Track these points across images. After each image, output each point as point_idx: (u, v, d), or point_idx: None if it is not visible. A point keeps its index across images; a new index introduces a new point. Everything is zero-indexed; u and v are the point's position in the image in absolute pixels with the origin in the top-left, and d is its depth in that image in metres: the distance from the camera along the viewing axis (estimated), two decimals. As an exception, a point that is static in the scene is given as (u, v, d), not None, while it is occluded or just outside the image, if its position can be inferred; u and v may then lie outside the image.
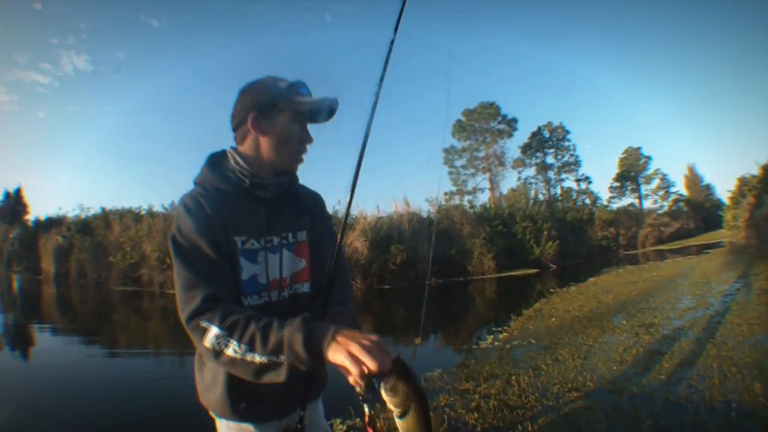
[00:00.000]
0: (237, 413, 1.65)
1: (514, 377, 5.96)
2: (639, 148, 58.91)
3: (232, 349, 1.31)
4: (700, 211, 52.36)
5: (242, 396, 1.62)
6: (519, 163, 55.70)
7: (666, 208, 51.71)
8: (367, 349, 1.17)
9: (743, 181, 30.08)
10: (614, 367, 6.12)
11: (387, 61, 1.75)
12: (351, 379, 1.20)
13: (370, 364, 1.15)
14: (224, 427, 1.73)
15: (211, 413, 1.75)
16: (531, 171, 56.18)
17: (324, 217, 1.94)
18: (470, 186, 53.78)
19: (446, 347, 8.74)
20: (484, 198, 50.81)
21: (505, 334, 8.95)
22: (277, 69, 1.74)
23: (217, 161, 1.73)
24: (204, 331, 1.34)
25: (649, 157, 58.10)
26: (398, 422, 1.25)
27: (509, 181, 75.39)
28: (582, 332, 8.31)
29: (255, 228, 1.66)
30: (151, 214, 24.80)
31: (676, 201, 54.27)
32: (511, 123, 53.93)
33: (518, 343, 8.01)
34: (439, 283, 20.19)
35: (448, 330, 10.46)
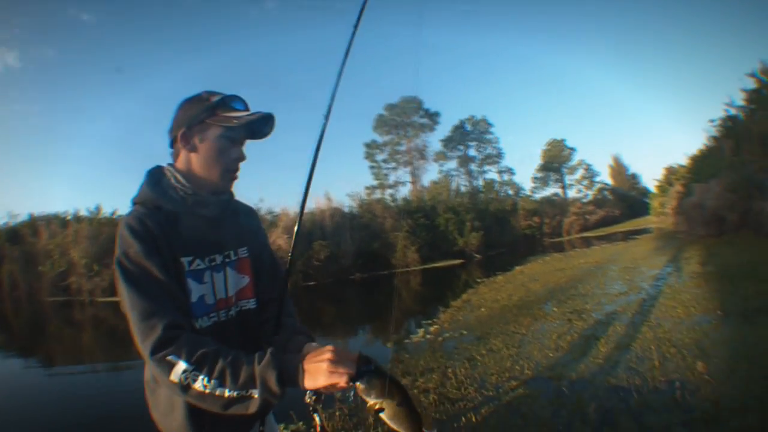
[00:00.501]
0: None
1: (450, 370, 5.99)
2: (563, 140, 60.91)
3: (200, 384, 1.29)
4: (625, 199, 54.68)
5: (204, 420, 1.56)
6: (441, 157, 56.79)
7: (591, 197, 53.94)
8: (335, 364, 1.27)
9: (671, 171, 31.81)
10: (550, 354, 6.20)
11: (343, 65, 1.79)
12: (337, 395, 1.18)
13: (345, 376, 1.27)
14: None
15: None
16: (453, 164, 57.49)
17: (261, 231, 1.99)
18: (392, 180, 54.46)
19: (376, 341, 8.75)
20: (405, 192, 51.34)
21: (435, 326, 9.03)
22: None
23: (156, 179, 1.66)
24: (171, 366, 1.30)
25: (573, 149, 60.12)
26: (385, 415, 1.35)
27: (431, 174, 77.41)
28: (513, 321, 8.41)
29: (199, 247, 1.63)
30: (77, 219, 24.51)
31: (600, 190, 56.47)
32: (434, 117, 55.18)
33: (450, 335, 8.07)
34: (363, 277, 20.53)
35: (377, 324, 10.48)
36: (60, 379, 8.23)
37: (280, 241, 19.54)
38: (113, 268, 1.44)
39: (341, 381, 1.27)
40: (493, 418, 4.41)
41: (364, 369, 1.31)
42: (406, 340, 8.16)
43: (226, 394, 1.28)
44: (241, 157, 1.69)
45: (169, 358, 1.30)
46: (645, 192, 53.47)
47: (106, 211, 25.38)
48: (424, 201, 33.06)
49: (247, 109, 1.69)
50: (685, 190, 22.38)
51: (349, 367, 1.28)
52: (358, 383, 1.30)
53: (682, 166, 27.07)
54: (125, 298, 1.39)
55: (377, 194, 45.59)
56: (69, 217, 24.85)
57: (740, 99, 17.32)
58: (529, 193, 54.48)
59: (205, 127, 1.60)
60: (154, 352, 1.31)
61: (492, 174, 57.55)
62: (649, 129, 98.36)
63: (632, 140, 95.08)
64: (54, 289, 21.37)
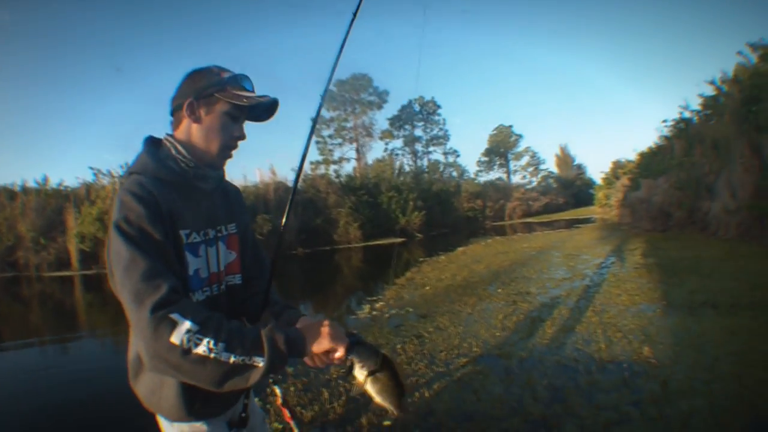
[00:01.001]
0: (193, 414, 1.62)
1: (399, 346, 6.14)
2: (510, 126, 63.12)
3: (204, 348, 1.25)
4: (569, 188, 56.35)
5: (197, 395, 1.58)
6: (387, 135, 57.51)
7: (535, 184, 55.41)
8: (335, 331, 1.45)
9: (618, 164, 33.00)
10: (497, 333, 6.38)
11: (341, 51, 1.93)
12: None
13: (345, 342, 1.45)
14: (175, 430, 1.68)
15: (159, 417, 1.71)
16: (399, 143, 58.49)
17: (245, 210, 2.03)
18: (337, 156, 54.74)
19: (318, 316, 8.69)
20: (350, 168, 51.70)
21: (381, 303, 9.15)
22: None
23: (155, 149, 1.66)
24: (173, 325, 1.25)
25: (520, 135, 62.39)
26: (372, 389, 1.47)
27: (376, 152, 78.07)
28: (458, 300, 8.62)
29: (196, 221, 1.65)
30: (25, 190, 23.84)
31: (545, 177, 58.31)
32: (383, 95, 56.00)
33: (396, 312, 8.19)
34: (306, 252, 20.79)
35: (320, 300, 10.60)
36: (6, 355, 8.08)
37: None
38: (109, 233, 1.40)
39: (342, 346, 1.42)
40: (446, 393, 4.53)
41: (353, 340, 1.47)
42: (352, 316, 8.25)
43: (231, 359, 1.26)
44: (243, 136, 1.73)
45: (173, 316, 1.25)
46: (590, 183, 55.27)
47: (53, 182, 24.80)
48: (368, 178, 33.30)
49: (253, 91, 1.72)
50: (632, 184, 23.16)
51: (343, 338, 1.45)
52: (352, 356, 1.45)
53: (630, 161, 28.04)
54: (124, 260, 1.33)
55: (322, 170, 45.86)
56: (17, 189, 24.15)
57: (696, 104, 18.00)
58: (473, 176, 55.79)
59: (214, 101, 1.63)
60: (155, 309, 1.25)
61: (437, 155, 58.85)
62: (599, 123, 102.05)
63: (581, 132, 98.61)
64: (1, 264, 21.03)
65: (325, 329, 1.43)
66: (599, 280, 9.51)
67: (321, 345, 1.41)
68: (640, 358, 5.02)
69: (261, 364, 1.28)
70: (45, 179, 24.43)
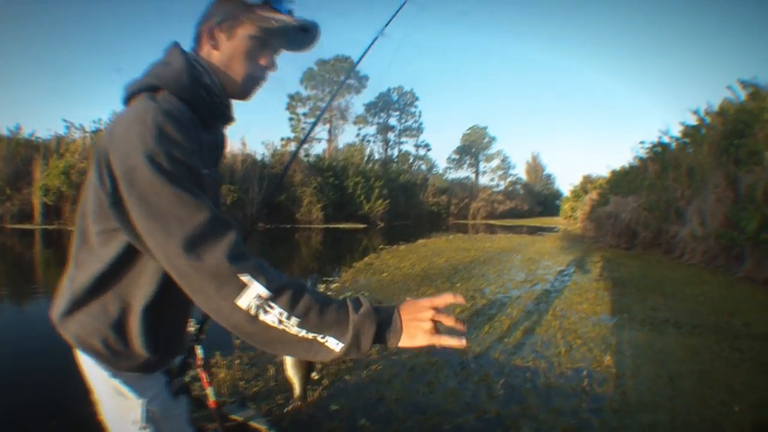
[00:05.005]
0: (150, 366, 1.47)
1: None
2: (485, 128, 63.62)
3: (274, 318, 1.08)
4: (536, 196, 57.49)
5: (159, 337, 1.43)
6: (361, 120, 58.24)
7: (502, 188, 56.15)
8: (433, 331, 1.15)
9: (588, 179, 33.59)
10: None
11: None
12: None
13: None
14: (110, 386, 1.47)
15: (92, 368, 1.46)
16: (372, 130, 58.97)
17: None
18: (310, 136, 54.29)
19: None
20: (320, 149, 52.33)
21: (337, 284, 9.07)
22: None
23: (191, 65, 1.38)
24: (242, 287, 1.07)
25: (493, 138, 62.77)
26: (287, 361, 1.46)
27: (348, 136, 78.55)
28: (416, 289, 8.51)
29: (209, 157, 1.43)
30: None
31: (513, 183, 59.08)
32: (362, 80, 56.26)
33: (351, 294, 7.95)
34: (266, 227, 20.82)
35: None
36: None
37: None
38: (135, 163, 1.10)
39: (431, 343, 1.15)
40: (397, 382, 4.39)
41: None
42: None
43: (301, 335, 1.09)
44: (272, 66, 1.49)
45: (245, 277, 1.07)
46: (557, 194, 56.32)
47: (26, 132, 24.40)
48: (336, 161, 33.43)
49: (291, 14, 1.46)
50: (601, 199, 23.55)
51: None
52: None
53: (602, 177, 28.48)
54: (164, 198, 1.10)
55: (292, 147, 46.20)
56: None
57: (677, 131, 18.36)
58: (441, 171, 56.38)
59: (237, 23, 1.39)
60: (232, 260, 1.08)
61: (409, 147, 59.16)
62: (575, 138, 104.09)
63: (555, 144, 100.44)
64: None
65: (426, 324, 1.14)
66: (560, 287, 9.48)
67: (413, 341, 1.14)
68: (600, 366, 4.93)
69: (337, 350, 1.10)
70: (18, 128, 23.92)
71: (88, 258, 1.33)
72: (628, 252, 17.03)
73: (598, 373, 4.75)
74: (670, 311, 7.47)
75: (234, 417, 3.11)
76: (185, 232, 1.08)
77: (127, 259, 1.29)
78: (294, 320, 1.07)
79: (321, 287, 8.72)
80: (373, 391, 4.18)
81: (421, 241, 18.16)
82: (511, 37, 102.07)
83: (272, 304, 1.07)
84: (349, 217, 27.67)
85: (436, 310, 1.14)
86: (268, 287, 1.07)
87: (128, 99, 1.33)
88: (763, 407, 4.05)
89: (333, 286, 8.90)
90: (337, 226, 24.61)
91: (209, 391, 2.22)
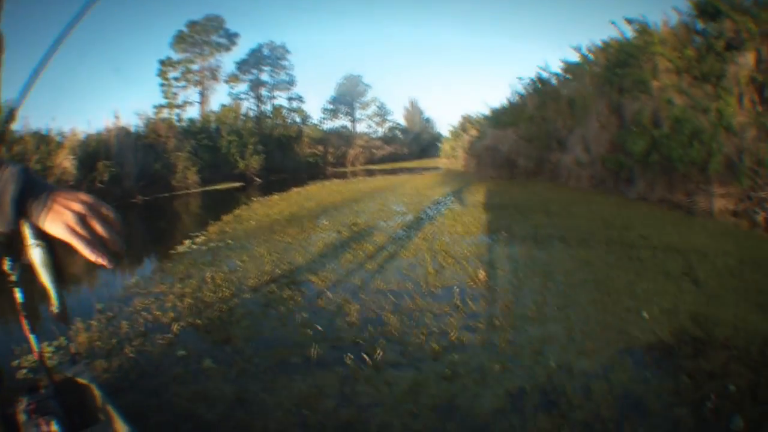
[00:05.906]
0: None
1: (209, 275, 5.76)
2: (359, 76, 63.49)
3: None
4: (417, 140, 58.27)
5: None
6: (233, 79, 56.86)
7: (381, 134, 56.32)
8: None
9: (468, 119, 33.68)
10: (313, 260, 5.95)
11: None
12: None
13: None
14: None
15: None
16: (244, 87, 57.88)
17: None
18: (181, 100, 53.11)
19: (145, 260, 8.10)
20: (194, 112, 50.66)
21: (202, 237, 8.63)
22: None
23: None
24: None
25: (368, 86, 62.82)
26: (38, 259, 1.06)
27: (221, 96, 77.71)
28: (281, 232, 8.19)
29: None
30: None
31: (392, 129, 59.37)
32: (233, 37, 54.83)
33: (215, 245, 7.76)
34: (145, 200, 20.12)
35: (150, 246, 9.92)
36: None
37: (66, 162, 18.52)
38: None
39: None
40: (248, 319, 4.18)
41: None
42: (171, 251, 7.67)
43: None
44: None
45: None
46: (438, 137, 56.98)
47: None
48: (209, 122, 33.33)
49: None
50: (480, 135, 23.58)
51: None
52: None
53: (482, 116, 28.49)
54: None
55: (166, 114, 44.80)
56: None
57: (557, 67, 18.39)
58: (317, 122, 56.10)
59: None
60: None
61: (282, 100, 58.21)
62: (454, 82, 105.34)
63: (434, 90, 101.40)
64: None
65: (67, 214, 0.88)
66: (434, 214, 9.27)
67: (55, 228, 0.88)
68: (476, 282, 4.56)
69: None
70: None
71: None
72: (510, 182, 16.94)
73: (473, 289, 4.43)
74: (555, 228, 7.21)
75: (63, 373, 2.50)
76: None
77: None
78: None
79: (186, 242, 8.23)
80: (222, 333, 3.94)
81: (295, 190, 17.92)
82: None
83: None
84: (226, 177, 27.32)
85: (92, 208, 0.89)
86: None
87: None
88: (678, 312, 3.65)
89: (198, 239, 8.42)
90: (214, 187, 24.22)
91: (32, 339, 1.66)
